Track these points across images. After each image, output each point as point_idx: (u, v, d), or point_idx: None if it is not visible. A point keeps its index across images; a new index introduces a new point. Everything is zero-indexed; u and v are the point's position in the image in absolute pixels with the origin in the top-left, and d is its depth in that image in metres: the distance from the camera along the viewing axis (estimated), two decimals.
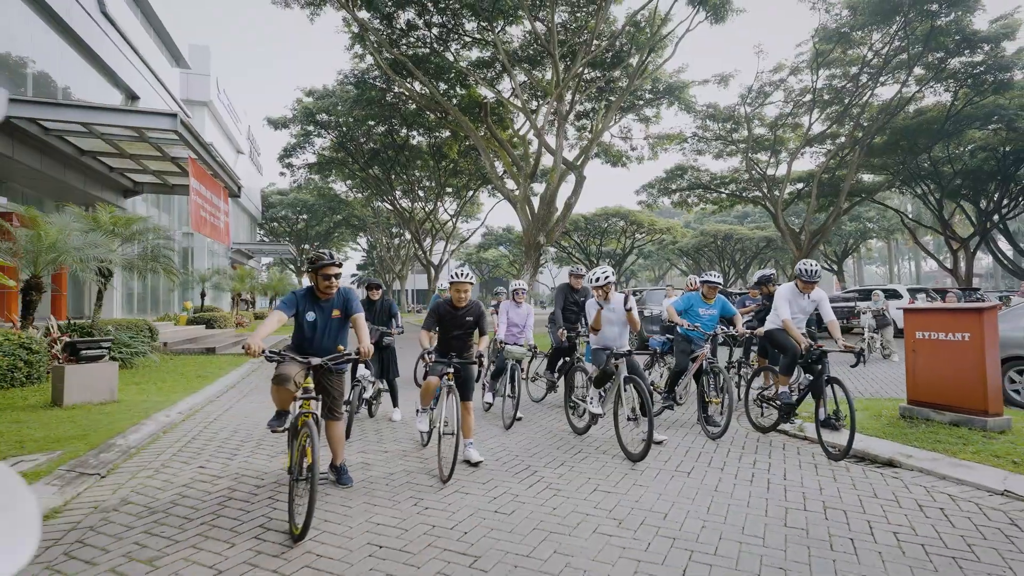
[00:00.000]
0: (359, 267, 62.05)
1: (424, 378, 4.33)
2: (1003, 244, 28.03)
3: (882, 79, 19.28)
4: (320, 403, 3.40)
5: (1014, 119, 18.52)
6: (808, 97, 21.00)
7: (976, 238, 24.76)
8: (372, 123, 25.03)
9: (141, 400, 6.28)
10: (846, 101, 20.43)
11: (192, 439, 4.93)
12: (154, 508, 3.30)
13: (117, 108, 12.59)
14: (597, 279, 4.72)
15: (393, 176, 30.24)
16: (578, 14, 19.11)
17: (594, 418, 4.83)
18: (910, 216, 33.18)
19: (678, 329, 5.55)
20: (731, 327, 5.73)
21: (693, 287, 6.62)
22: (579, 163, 19.16)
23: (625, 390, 4.39)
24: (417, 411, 4.61)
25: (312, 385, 3.18)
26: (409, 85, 20.69)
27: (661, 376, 6.58)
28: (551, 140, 18.79)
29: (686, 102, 22.93)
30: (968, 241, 24.95)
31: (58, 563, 2.58)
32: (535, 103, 22.02)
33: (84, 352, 5.82)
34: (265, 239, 43.00)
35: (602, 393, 4.83)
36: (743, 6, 17.39)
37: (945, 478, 3.60)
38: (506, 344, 5.57)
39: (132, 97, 16.78)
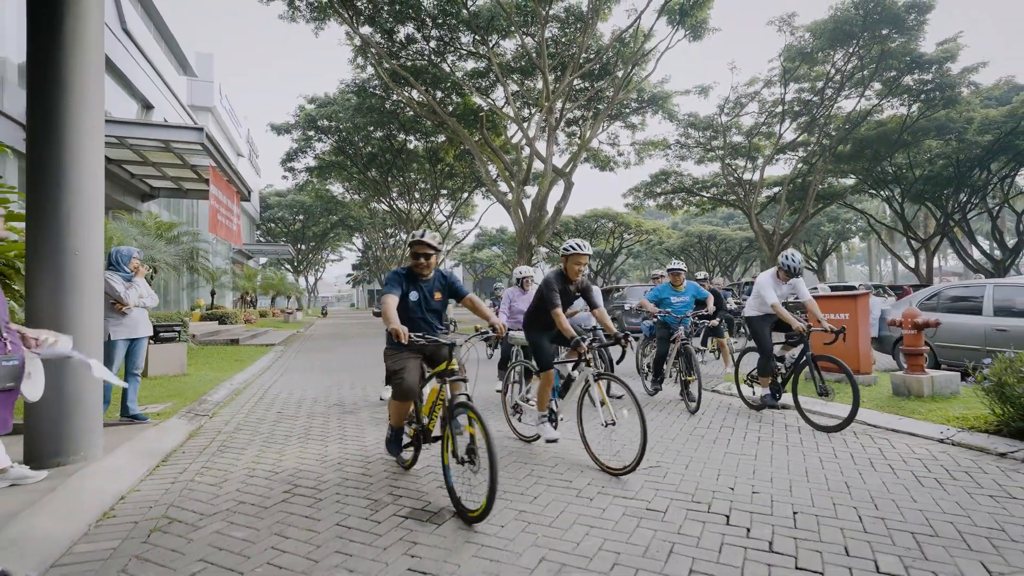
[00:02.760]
0: (354, 267, 63.23)
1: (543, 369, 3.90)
2: (986, 242, 29.87)
3: (844, 93, 20.95)
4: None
5: (962, 131, 20.26)
6: (780, 108, 22.63)
7: (936, 238, 26.55)
8: (371, 128, 26.32)
9: (204, 374, 7.65)
10: (814, 112, 22.08)
11: (262, 397, 6.35)
12: (260, 431, 4.71)
13: (152, 123, 13.88)
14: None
15: (390, 178, 31.53)
16: (567, 30, 20.56)
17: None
18: (880, 218, 34.99)
19: (658, 316, 5.95)
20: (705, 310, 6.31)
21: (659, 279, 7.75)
22: (568, 170, 20.61)
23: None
24: (516, 415, 4.38)
25: (457, 366, 3.10)
26: (408, 94, 22.02)
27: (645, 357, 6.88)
28: (542, 147, 20.23)
29: (669, 111, 24.46)
30: (928, 241, 26.75)
31: (221, 449, 3.99)
32: (527, 111, 23.44)
33: (162, 335, 7.17)
34: (262, 239, 44.09)
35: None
36: (719, 25, 18.96)
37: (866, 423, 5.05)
38: (510, 330, 5.34)
39: (147, 107, 17.99)
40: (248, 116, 33.84)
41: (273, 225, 45.69)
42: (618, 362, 7.90)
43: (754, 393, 5.39)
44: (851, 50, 18.89)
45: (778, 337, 5.34)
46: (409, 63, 20.87)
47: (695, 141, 26.59)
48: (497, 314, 5.96)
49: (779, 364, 5.17)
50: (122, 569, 2.32)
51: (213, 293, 22.21)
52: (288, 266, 49.25)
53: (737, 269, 46.16)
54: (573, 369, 3.91)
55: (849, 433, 4.44)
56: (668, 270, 6.08)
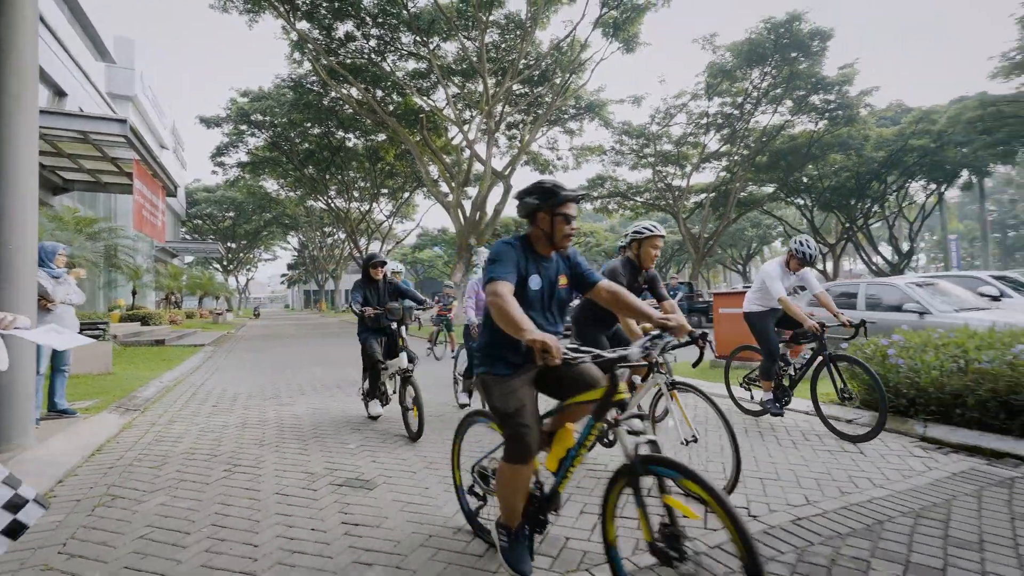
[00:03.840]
0: (290, 266, 61.06)
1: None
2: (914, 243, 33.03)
3: (761, 109, 22.80)
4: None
5: (861, 147, 22.59)
6: (705, 120, 24.25)
7: (841, 243, 29.30)
8: (308, 125, 25.77)
9: (130, 373, 7.48)
10: (734, 125, 23.84)
11: (195, 393, 6.36)
12: (196, 422, 4.84)
13: (71, 113, 13.14)
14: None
15: (328, 176, 30.91)
16: (507, 36, 21.11)
17: None
18: (795, 224, 38.00)
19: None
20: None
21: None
22: (507, 172, 21.15)
23: None
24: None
25: (624, 394, 1.85)
26: (346, 92, 21.80)
27: None
28: (482, 150, 20.66)
29: (605, 119, 25.58)
30: (835, 246, 29.47)
31: (157, 439, 4.12)
32: (468, 114, 23.79)
33: (86, 332, 6.96)
34: (187, 237, 41.83)
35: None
36: (649, 40, 20.12)
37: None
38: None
39: (60, 94, 16.86)
40: (173, 107, 31.98)
41: (200, 222, 43.45)
42: (693, 366, 7.31)
43: (752, 398, 4.88)
44: (765, 70, 20.63)
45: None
46: (348, 61, 20.70)
47: (629, 148, 27.91)
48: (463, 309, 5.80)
49: (784, 366, 4.54)
50: (71, 536, 2.51)
51: (134, 293, 21.02)
52: (217, 265, 46.94)
53: (671, 270, 48.55)
54: (643, 380, 3.15)
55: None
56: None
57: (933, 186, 26.11)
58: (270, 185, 35.68)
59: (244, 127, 26.71)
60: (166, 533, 2.55)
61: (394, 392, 4.73)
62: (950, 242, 41.85)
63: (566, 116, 25.48)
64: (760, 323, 4.61)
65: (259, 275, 76.48)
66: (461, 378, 5.54)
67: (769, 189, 29.91)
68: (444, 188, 24.45)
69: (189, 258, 41.00)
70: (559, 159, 28.36)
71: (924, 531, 2.46)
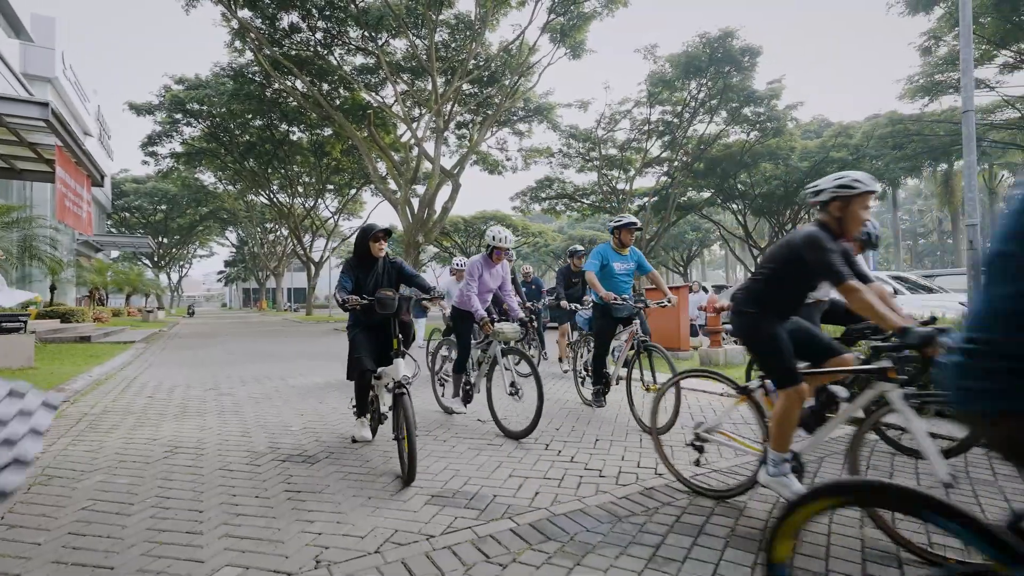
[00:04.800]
0: (227, 263, 58.35)
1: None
2: None
3: (699, 118, 24.05)
4: None
5: (787, 157, 24.28)
6: (647, 127, 25.29)
7: (770, 246, 31.31)
8: (249, 116, 24.87)
9: (55, 368, 7.14)
10: (674, 132, 25.01)
11: (128, 386, 6.19)
12: (132, 411, 4.77)
13: None
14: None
15: (270, 170, 29.89)
16: (457, 36, 21.24)
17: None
18: (731, 229, 40.17)
19: (592, 299, 4.65)
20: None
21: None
22: (456, 171, 21.28)
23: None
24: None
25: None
26: (290, 84, 21.25)
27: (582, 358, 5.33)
28: (431, 148, 20.67)
29: (553, 122, 26.16)
30: (764, 249, 31.43)
31: (90, 427, 4.07)
32: (417, 111, 23.72)
33: (5, 325, 6.60)
34: (114, 230, 39.25)
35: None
36: (595, 48, 20.84)
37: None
38: (494, 319, 4.25)
39: None
40: (99, 91, 30.14)
41: (129, 215, 40.87)
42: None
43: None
44: (702, 82, 21.82)
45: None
46: (293, 52, 20.20)
47: (576, 151, 28.65)
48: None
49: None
50: (9, 510, 2.54)
51: (53, 289, 19.61)
52: (147, 261, 44.27)
53: None
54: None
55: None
56: (620, 226, 4.44)
57: None
58: (207, 178, 34.07)
59: (179, 116, 25.42)
60: (109, 505, 2.63)
61: (389, 408, 3.44)
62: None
63: (515, 118, 25.87)
64: (804, 317, 3.32)
65: (194, 272, 72.59)
66: (449, 378, 4.75)
67: (707, 194, 31.50)
68: (392, 185, 24.27)
69: (115, 253, 38.45)
70: (508, 160, 28.72)
71: None
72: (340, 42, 20.55)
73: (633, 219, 4.52)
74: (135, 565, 2.05)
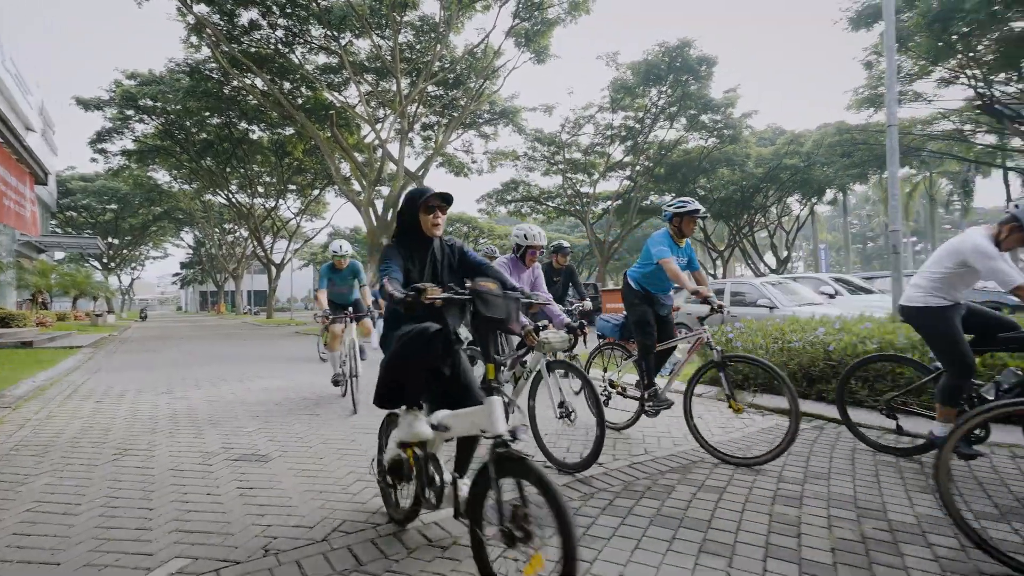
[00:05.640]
0: (183, 265, 56.29)
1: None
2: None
3: (660, 124, 24.75)
4: None
5: (743, 164, 25.24)
6: (610, 132, 25.85)
7: (729, 249, 32.41)
8: (206, 114, 24.16)
9: None
10: (636, 138, 25.64)
11: (75, 391, 6.03)
12: (80, 415, 4.68)
13: None
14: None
15: (229, 169, 29.09)
16: (422, 38, 21.22)
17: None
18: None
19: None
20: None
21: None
22: (421, 173, 21.26)
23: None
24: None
25: None
26: (250, 82, 20.80)
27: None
28: (395, 149, 20.58)
29: (518, 125, 26.39)
30: (723, 252, 32.53)
31: (34, 431, 3.99)
32: (382, 112, 23.55)
33: None
34: (59, 230, 37.38)
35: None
36: (559, 53, 21.21)
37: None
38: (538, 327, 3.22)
39: None
40: (42, 84, 28.72)
41: (76, 214, 39.00)
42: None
43: (898, 428, 3.38)
44: (662, 89, 22.48)
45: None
46: (253, 49, 19.78)
47: (541, 155, 28.99)
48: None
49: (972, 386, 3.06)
50: None
51: None
52: (95, 263, 42.33)
53: (583, 273, 50.73)
54: None
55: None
56: (683, 212, 3.75)
57: (805, 200, 29.69)
58: (161, 176, 32.85)
59: (131, 112, 24.49)
60: (55, 506, 2.63)
61: (451, 484, 2.06)
62: (820, 250, 47.73)
63: (481, 120, 26.00)
64: (943, 323, 2.99)
65: (147, 274, 69.76)
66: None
67: (668, 198, 32.46)
68: (356, 186, 24.02)
69: (60, 254, 36.62)
70: (474, 162, 28.80)
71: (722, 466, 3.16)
72: (302, 41, 20.24)
73: (699, 205, 3.80)
74: (82, 560, 2.09)
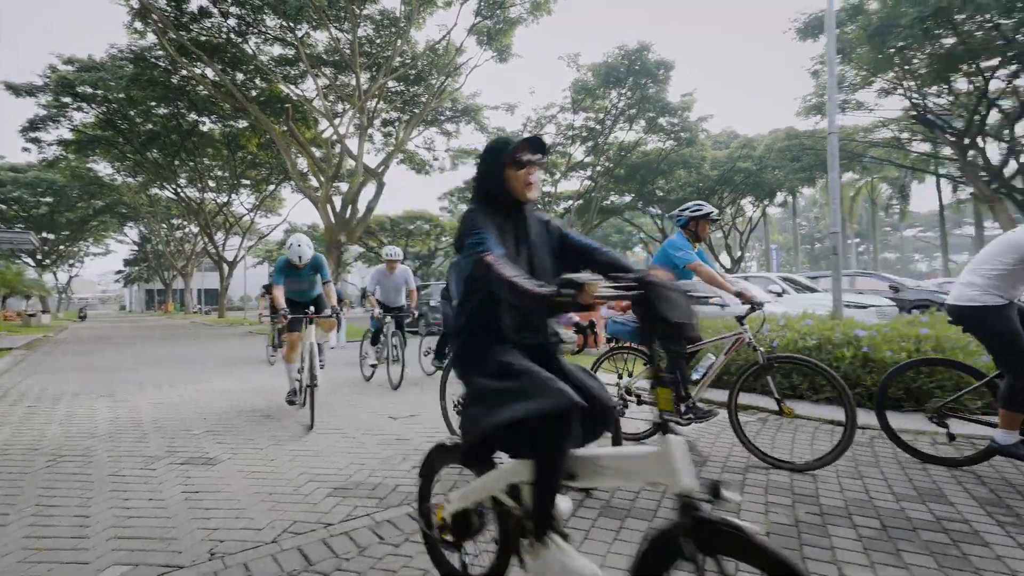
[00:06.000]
0: (127, 262, 53.43)
1: None
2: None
3: (620, 125, 25.22)
4: None
5: (699, 166, 26.03)
6: (571, 132, 26.15)
7: None
8: (152, 104, 23.02)
9: None
10: (597, 139, 26.04)
11: (3, 395, 5.66)
12: (9, 421, 4.41)
13: None
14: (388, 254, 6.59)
15: (177, 162, 27.82)
16: (382, 32, 20.86)
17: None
18: (651, 232, 42.38)
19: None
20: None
21: None
22: (381, 170, 20.92)
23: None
24: None
25: None
26: (200, 71, 19.96)
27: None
28: (354, 145, 20.18)
29: (480, 123, 26.32)
30: None
31: None
32: (341, 107, 23.03)
33: None
34: None
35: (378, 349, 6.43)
36: (521, 53, 21.31)
37: None
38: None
39: None
40: None
41: (6, 207, 36.41)
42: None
43: (950, 437, 3.20)
44: (621, 91, 22.93)
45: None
46: (203, 38, 18.98)
47: None
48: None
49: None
50: None
51: None
52: (28, 259, 39.70)
53: None
54: None
55: None
56: (698, 216, 3.70)
57: (758, 202, 30.88)
58: (102, 168, 31.08)
59: (68, 99, 23.06)
60: None
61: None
62: (772, 250, 49.72)
63: (442, 118, 25.81)
64: (1001, 323, 2.83)
65: (87, 272, 65.98)
66: None
67: (628, 199, 33.07)
68: (313, 182, 23.43)
69: None
70: (435, 159, 28.58)
71: None
72: (256, 31, 19.56)
73: (713, 208, 3.74)
74: (10, 572, 1.99)
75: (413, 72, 22.01)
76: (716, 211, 3.79)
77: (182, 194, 29.99)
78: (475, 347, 1.63)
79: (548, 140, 28.59)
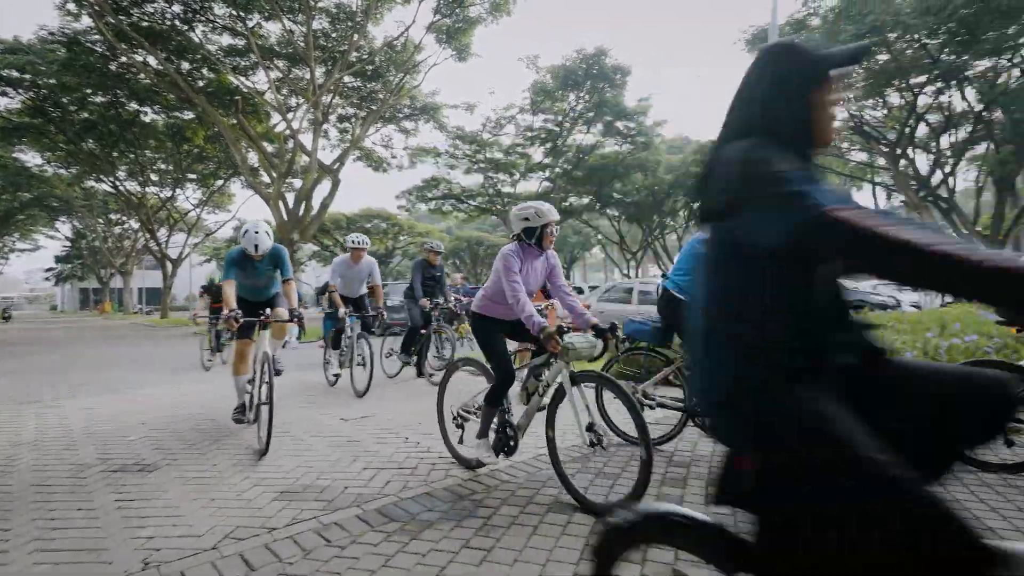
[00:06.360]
0: (58, 259, 49.96)
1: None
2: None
3: (578, 128, 25.58)
4: None
5: (655, 170, 26.73)
6: (531, 133, 26.33)
7: (641, 251, 34.19)
8: (88, 91, 21.64)
9: None
10: (556, 140, 26.32)
11: None
12: None
13: None
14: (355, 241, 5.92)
15: (116, 154, 26.27)
16: (338, 26, 20.37)
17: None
18: (608, 234, 43.19)
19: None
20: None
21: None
22: (336, 166, 20.43)
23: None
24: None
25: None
26: (141, 59, 18.95)
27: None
28: (308, 141, 19.63)
29: (440, 122, 26.13)
30: (636, 254, 34.26)
31: None
32: (294, 100, 22.34)
33: None
34: None
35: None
36: (480, 53, 21.28)
37: None
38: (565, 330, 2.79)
39: None
40: None
41: None
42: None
43: (1008, 442, 2.97)
44: (580, 94, 23.28)
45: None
46: (145, 23, 18.02)
47: (463, 153, 28.94)
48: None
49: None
50: None
51: None
52: None
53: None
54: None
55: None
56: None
57: None
58: (31, 159, 28.98)
59: None
60: None
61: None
62: None
63: (401, 115, 25.46)
64: None
65: (11, 269, 61.25)
66: (472, 414, 3.27)
67: (586, 200, 33.59)
68: (265, 178, 22.64)
69: None
70: (394, 157, 28.16)
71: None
72: (203, 18, 18.73)
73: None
74: None
75: (370, 68, 21.63)
76: None
77: (121, 188, 28.36)
78: (777, 396, 0.93)
79: (507, 140, 28.84)
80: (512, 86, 43.22)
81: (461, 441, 3.19)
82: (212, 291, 8.14)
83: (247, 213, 47.11)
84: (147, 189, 28.90)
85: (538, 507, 2.53)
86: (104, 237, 37.31)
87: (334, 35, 20.50)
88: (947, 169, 18.58)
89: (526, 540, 2.19)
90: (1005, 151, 16.79)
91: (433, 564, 2.01)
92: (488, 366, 3.05)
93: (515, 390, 3.02)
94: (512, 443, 2.92)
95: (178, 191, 29.79)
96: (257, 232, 3.96)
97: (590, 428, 2.66)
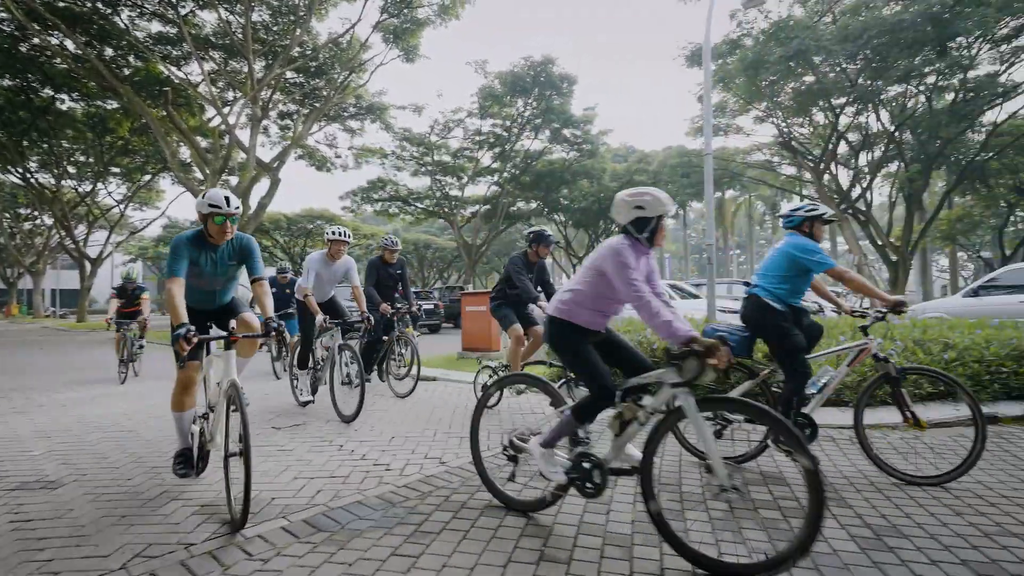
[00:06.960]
0: None
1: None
2: None
3: (526, 134, 25.85)
4: None
5: (600, 177, 27.40)
6: (479, 137, 26.36)
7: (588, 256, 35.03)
8: None
9: None
10: (504, 145, 26.48)
11: None
12: None
13: None
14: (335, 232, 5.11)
15: (27, 143, 24.14)
16: (279, 19, 19.66)
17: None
18: (557, 238, 43.83)
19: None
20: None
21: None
22: (275, 165, 19.67)
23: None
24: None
25: None
26: (57, 42, 17.56)
27: None
28: (246, 137, 18.81)
29: (386, 122, 25.68)
30: (583, 258, 34.96)
31: None
32: (231, 94, 21.34)
33: None
34: None
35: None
36: (429, 55, 21.14)
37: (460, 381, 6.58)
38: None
39: None
40: None
41: None
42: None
43: None
44: (528, 101, 23.56)
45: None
46: (62, 4, 16.72)
47: (410, 154, 28.58)
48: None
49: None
50: None
51: None
52: None
53: (453, 276, 50.88)
54: None
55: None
56: (814, 216, 3.25)
57: None
58: None
59: None
60: None
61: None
62: (665, 259, 53.81)
63: (346, 114, 24.86)
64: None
65: None
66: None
67: (533, 205, 33.97)
68: (198, 174, 21.47)
69: None
70: (338, 157, 27.43)
71: None
72: (130, 3, 17.58)
73: (827, 208, 3.29)
74: None
75: (314, 64, 21.01)
76: (831, 211, 3.34)
77: (32, 180, 26.07)
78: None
79: (456, 144, 28.70)
80: (461, 89, 43.32)
81: (513, 478, 2.60)
82: (127, 293, 7.25)
83: (177, 211, 44.32)
84: (63, 182, 26.73)
85: (471, 511, 2.54)
86: (11, 233, 34.11)
87: (275, 28, 19.79)
88: (864, 184, 20.12)
89: (455, 545, 2.19)
90: (913, 169, 18.40)
91: (359, 574, 1.97)
92: (551, 386, 2.62)
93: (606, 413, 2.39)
94: (595, 483, 2.27)
95: (99, 185, 27.73)
96: (228, 198, 2.83)
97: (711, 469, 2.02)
